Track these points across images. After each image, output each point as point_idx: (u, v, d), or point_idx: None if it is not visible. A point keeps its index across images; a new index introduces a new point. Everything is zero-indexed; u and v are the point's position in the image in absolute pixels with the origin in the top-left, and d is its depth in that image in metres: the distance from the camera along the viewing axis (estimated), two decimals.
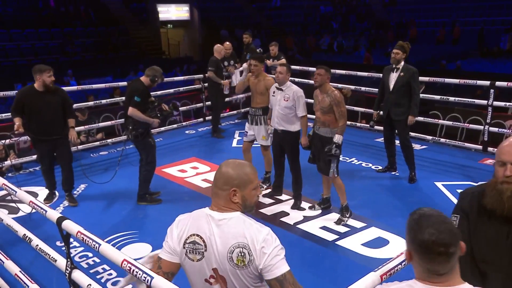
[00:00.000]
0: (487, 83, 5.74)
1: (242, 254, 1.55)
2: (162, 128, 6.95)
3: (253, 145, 5.03)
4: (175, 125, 7.36)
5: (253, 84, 4.82)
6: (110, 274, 3.37)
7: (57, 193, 4.81)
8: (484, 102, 5.84)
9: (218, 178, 1.67)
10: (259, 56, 4.81)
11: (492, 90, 5.64)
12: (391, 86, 4.98)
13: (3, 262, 2.97)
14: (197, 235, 1.62)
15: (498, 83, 5.63)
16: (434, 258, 1.21)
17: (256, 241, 1.55)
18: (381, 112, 5.31)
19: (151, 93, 4.78)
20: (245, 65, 5.03)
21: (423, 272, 1.26)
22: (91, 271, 3.40)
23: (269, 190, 4.84)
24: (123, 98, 5.58)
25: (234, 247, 1.56)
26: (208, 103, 7.48)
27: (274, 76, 4.50)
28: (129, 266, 2.00)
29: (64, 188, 4.68)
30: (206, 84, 7.44)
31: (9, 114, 5.76)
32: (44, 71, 4.26)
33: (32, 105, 4.30)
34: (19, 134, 4.49)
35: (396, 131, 5.18)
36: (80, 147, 5.99)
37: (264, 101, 4.77)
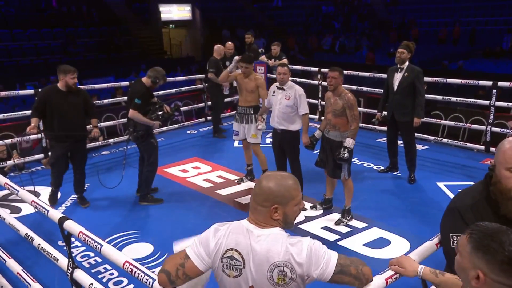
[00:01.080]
0: (490, 83, 5.72)
1: (283, 273, 1.48)
2: (164, 128, 6.95)
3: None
4: (176, 125, 7.37)
5: (243, 83, 4.85)
6: (112, 274, 3.38)
7: (59, 193, 4.82)
8: (486, 102, 5.83)
9: (258, 193, 1.55)
10: (247, 59, 4.80)
11: (494, 90, 5.63)
12: (395, 87, 4.95)
13: (5, 261, 2.98)
14: (236, 251, 1.53)
15: (500, 83, 5.62)
16: None
17: (299, 257, 1.49)
18: (385, 113, 5.29)
19: (154, 93, 4.78)
20: (236, 57, 5.03)
21: None
22: (92, 271, 3.40)
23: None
24: (125, 98, 5.59)
25: (274, 266, 1.48)
26: (209, 103, 7.49)
27: (275, 76, 4.50)
28: (131, 268, 2.00)
29: (76, 190, 4.67)
30: (207, 84, 7.44)
31: (12, 114, 5.83)
32: (68, 72, 4.25)
33: (55, 105, 4.27)
34: (28, 135, 4.41)
35: (400, 132, 5.16)
36: None
37: (254, 100, 4.85)
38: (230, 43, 7.22)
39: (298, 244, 1.51)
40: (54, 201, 4.59)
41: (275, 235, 1.52)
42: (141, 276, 1.91)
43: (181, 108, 7.80)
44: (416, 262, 1.75)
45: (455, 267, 1.29)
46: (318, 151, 4.33)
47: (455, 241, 1.64)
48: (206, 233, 1.60)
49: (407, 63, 4.91)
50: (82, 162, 4.60)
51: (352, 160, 5.68)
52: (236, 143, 6.63)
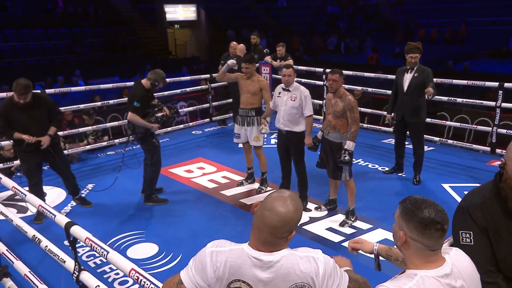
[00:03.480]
0: (496, 84, 5.69)
1: None
2: (169, 129, 6.98)
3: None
4: (181, 126, 7.39)
5: (244, 84, 4.77)
6: (117, 274, 3.39)
7: (64, 194, 4.84)
8: (492, 103, 5.79)
9: (280, 226, 1.40)
10: (248, 58, 4.76)
11: (500, 91, 5.59)
12: (405, 88, 4.91)
13: (13, 263, 3.00)
14: (243, 282, 1.43)
15: (506, 85, 5.57)
16: (432, 234, 1.36)
17: (316, 277, 1.44)
18: (393, 114, 5.26)
19: (157, 93, 4.79)
20: (229, 61, 4.91)
21: (419, 251, 1.39)
22: (98, 271, 3.42)
23: (269, 189, 4.86)
24: None
25: None
26: (216, 103, 7.50)
27: (280, 76, 4.50)
28: (137, 276, 2.01)
29: (70, 193, 4.65)
30: (212, 85, 7.45)
31: None
32: (14, 91, 3.87)
33: (16, 120, 4.00)
34: (33, 144, 4.03)
35: (408, 133, 5.14)
36: (88, 147, 6.05)
37: (256, 102, 4.78)
38: (234, 43, 7.22)
39: (313, 262, 1.46)
40: (40, 221, 4.22)
41: (287, 257, 1.44)
42: (147, 284, 1.92)
43: (186, 109, 7.84)
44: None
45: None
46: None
47: (464, 238, 1.73)
48: (201, 257, 1.49)
49: (417, 64, 4.88)
50: (64, 167, 4.42)
51: (357, 161, 5.71)
52: (240, 144, 6.65)
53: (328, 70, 6.97)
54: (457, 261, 1.43)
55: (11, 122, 4.00)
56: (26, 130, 4.01)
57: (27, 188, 4.71)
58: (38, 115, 4.06)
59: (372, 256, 1.85)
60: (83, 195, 4.79)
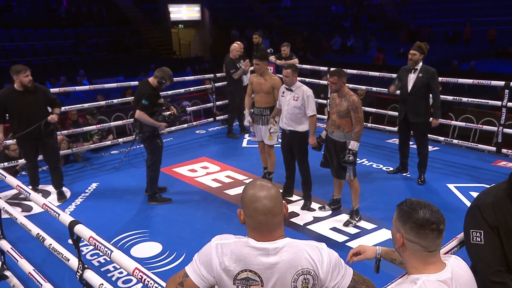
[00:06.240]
0: (502, 83, 5.64)
1: (307, 280, 1.47)
2: (173, 128, 6.98)
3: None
4: (185, 125, 7.39)
5: (258, 84, 4.77)
6: (121, 273, 3.40)
7: (68, 192, 4.87)
8: (498, 103, 5.75)
9: (273, 204, 1.48)
10: (260, 55, 4.75)
11: (506, 91, 5.55)
12: (409, 88, 4.87)
13: (17, 261, 3.01)
14: (250, 271, 1.47)
15: None
16: (427, 234, 1.37)
17: (321, 265, 1.48)
18: (396, 82, 5.15)
19: (161, 92, 4.79)
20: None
21: (416, 252, 1.40)
22: (102, 269, 3.43)
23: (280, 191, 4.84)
24: None
25: (297, 275, 1.46)
26: (219, 102, 7.50)
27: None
28: (140, 275, 2.00)
29: (53, 186, 4.79)
30: (216, 84, 7.45)
31: None
32: (20, 71, 4.26)
33: (13, 105, 4.33)
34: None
35: (413, 133, 5.12)
36: (92, 146, 6.06)
37: (271, 101, 4.75)
38: (239, 42, 7.20)
39: (317, 251, 1.50)
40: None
41: (289, 245, 1.48)
42: (151, 283, 1.92)
43: (189, 108, 7.84)
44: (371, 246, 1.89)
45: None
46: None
47: (475, 237, 1.72)
48: (207, 251, 1.52)
49: (420, 64, 4.85)
50: (51, 158, 4.65)
51: (361, 161, 5.69)
52: (244, 143, 6.63)
53: (333, 69, 6.96)
54: (457, 267, 1.44)
55: (10, 107, 4.34)
56: (24, 115, 4.33)
57: (31, 187, 4.80)
58: (34, 100, 4.39)
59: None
60: (87, 193, 4.83)
